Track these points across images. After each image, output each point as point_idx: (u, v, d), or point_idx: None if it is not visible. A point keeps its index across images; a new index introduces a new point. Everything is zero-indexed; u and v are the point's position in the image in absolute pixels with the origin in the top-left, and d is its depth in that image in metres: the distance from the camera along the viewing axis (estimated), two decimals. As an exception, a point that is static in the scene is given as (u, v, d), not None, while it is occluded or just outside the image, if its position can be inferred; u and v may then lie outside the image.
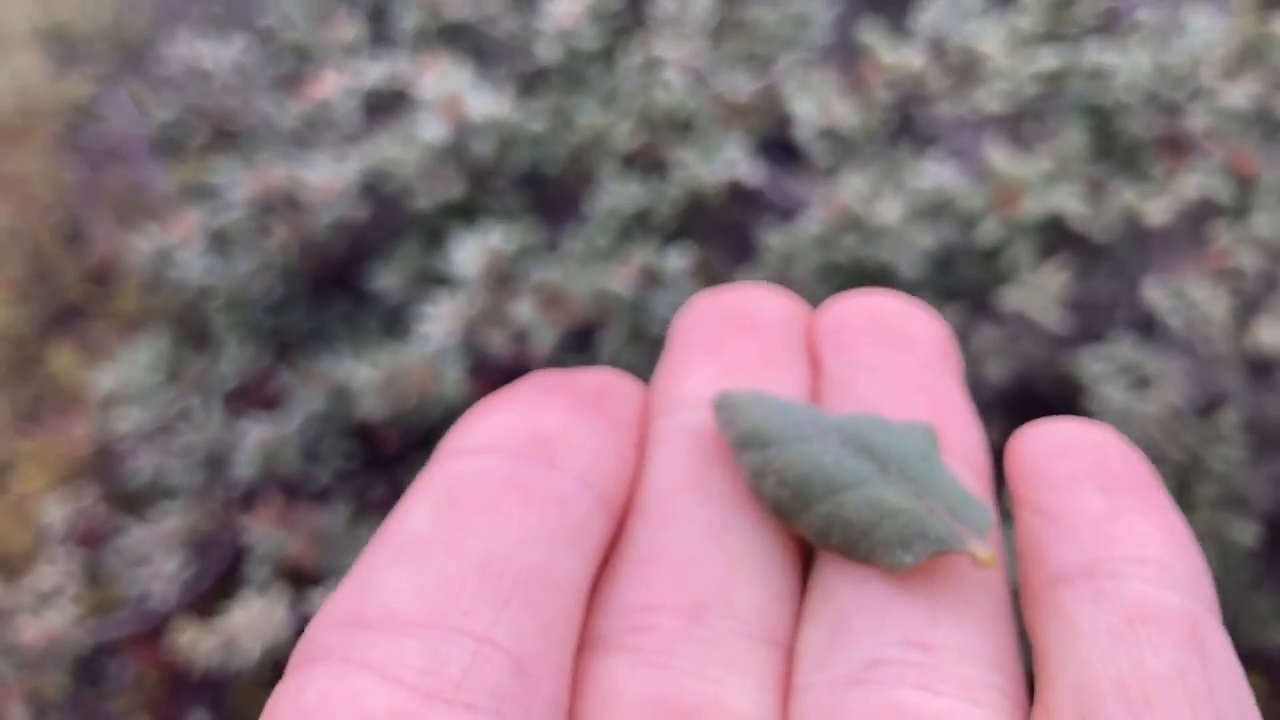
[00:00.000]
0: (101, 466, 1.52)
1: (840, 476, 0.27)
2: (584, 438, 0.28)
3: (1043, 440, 0.28)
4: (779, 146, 1.38)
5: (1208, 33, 0.98)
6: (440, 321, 1.09)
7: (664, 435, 0.30)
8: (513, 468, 0.27)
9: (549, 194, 1.42)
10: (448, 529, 0.25)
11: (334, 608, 0.24)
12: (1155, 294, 0.86)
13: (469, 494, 0.26)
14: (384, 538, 0.26)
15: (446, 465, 0.27)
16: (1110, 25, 1.08)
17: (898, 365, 0.32)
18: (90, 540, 1.34)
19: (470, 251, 1.14)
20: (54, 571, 1.14)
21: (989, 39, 1.07)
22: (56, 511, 1.33)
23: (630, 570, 0.27)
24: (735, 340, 0.32)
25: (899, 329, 0.33)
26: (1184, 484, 0.83)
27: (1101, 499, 0.26)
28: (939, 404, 0.31)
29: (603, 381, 0.31)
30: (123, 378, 1.44)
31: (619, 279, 1.12)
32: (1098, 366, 0.85)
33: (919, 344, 0.33)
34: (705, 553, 0.27)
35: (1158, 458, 0.85)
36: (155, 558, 1.25)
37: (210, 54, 1.41)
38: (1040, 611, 0.26)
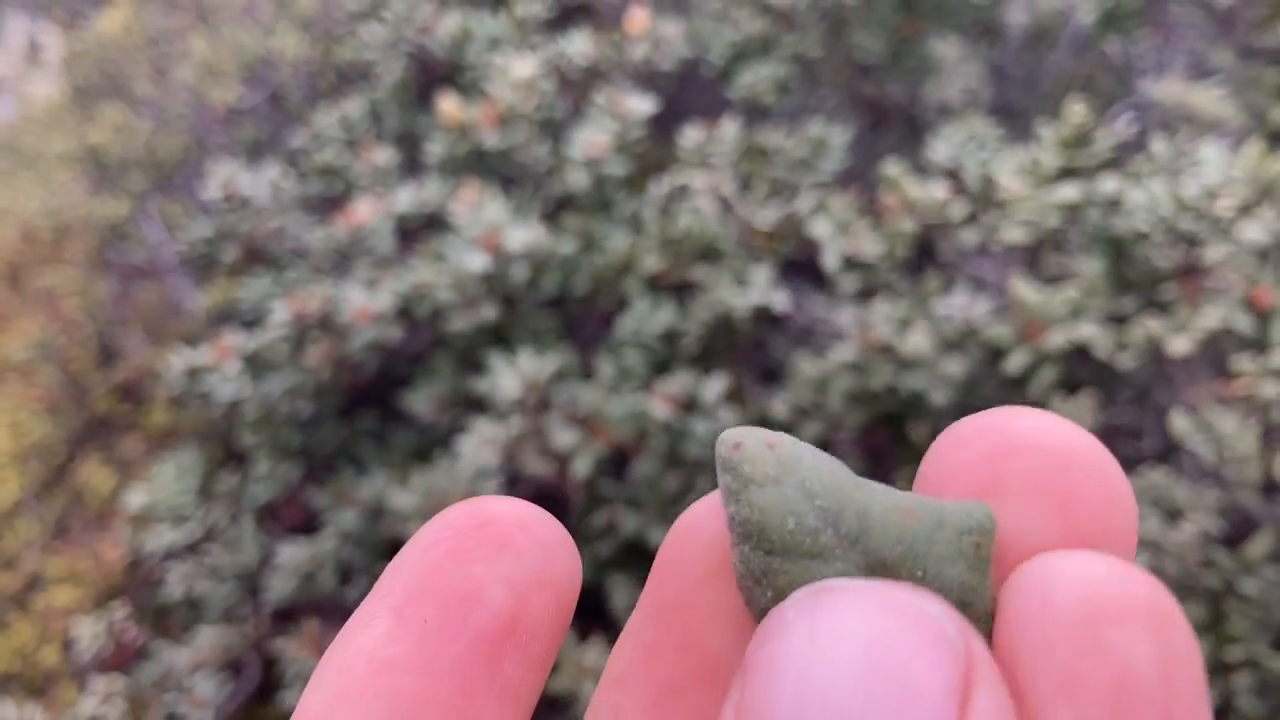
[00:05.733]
0: (132, 583, 1.53)
1: None
2: None
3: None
4: (801, 269, 1.42)
5: (1219, 165, 1.02)
6: (480, 445, 1.11)
7: None
8: None
9: (577, 315, 1.45)
10: None
11: None
12: (1182, 424, 0.88)
13: None
14: None
15: None
16: (1124, 158, 1.12)
17: None
18: (121, 661, 1.35)
19: (508, 377, 1.16)
20: (94, 701, 1.14)
21: (1006, 171, 1.11)
22: (88, 630, 1.34)
23: None
24: None
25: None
26: (1219, 613, 0.84)
27: None
28: None
29: None
30: (154, 496, 1.45)
31: (656, 404, 1.15)
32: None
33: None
34: None
35: (1192, 587, 0.87)
36: (188, 681, 1.26)
37: (248, 180, 1.46)
38: None
